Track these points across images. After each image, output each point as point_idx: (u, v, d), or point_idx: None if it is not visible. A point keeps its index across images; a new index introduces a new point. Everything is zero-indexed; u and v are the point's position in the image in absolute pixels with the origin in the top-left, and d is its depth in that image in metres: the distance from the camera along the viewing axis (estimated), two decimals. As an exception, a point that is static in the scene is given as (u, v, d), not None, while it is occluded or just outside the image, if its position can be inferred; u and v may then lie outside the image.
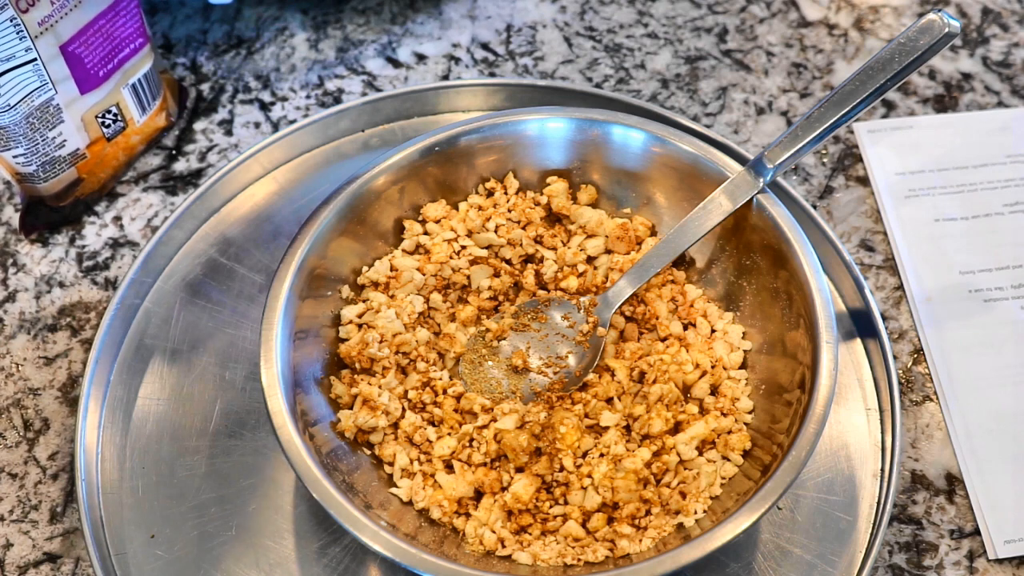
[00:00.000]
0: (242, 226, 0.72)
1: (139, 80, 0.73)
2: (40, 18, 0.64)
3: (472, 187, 0.68)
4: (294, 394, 0.58)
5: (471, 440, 0.60)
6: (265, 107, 0.79)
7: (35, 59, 0.65)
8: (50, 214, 0.73)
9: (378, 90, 0.80)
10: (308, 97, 0.80)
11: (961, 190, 0.75)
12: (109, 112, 0.72)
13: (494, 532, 0.58)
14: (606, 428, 0.60)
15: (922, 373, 0.68)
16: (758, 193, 0.62)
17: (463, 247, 0.66)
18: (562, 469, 0.59)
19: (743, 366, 0.64)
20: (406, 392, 0.62)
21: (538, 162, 0.68)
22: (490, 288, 0.66)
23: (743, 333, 0.64)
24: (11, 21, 0.63)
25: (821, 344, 0.58)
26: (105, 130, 0.72)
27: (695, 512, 0.58)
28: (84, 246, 0.73)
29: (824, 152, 0.77)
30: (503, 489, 0.59)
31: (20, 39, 0.64)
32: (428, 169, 0.66)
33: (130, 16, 0.70)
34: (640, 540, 0.57)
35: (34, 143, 0.68)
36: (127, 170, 0.75)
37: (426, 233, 0.67)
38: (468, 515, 0.59)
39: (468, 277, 0.66)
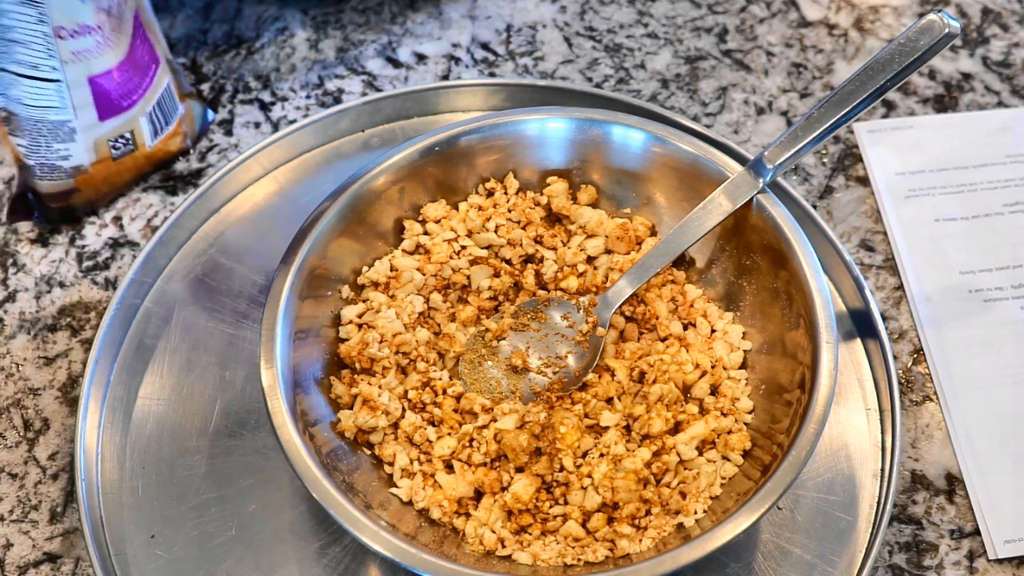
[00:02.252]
0: (242, 226, 0.72)
1: (155, 106, 0.72)
2: (74, 48, 0.65)
3: (472, 187, 0.68)
4: (294, 394, 0.58)
5: (471, 440, 0.60)
6: (265, 107, 0.79)
7: (60, 80, 0.65)
8: (39, 207, 0.72)
9: (378, 90, 0.80)
10: (308, 97, 0.80)
11: (961, 190, 0.75)
12: (122, 137, 0.71)
13: (494, 532, 0.58)
14: (606, 428, 0.60)
15: (922, 373, 0.68)
16: (758, 193, 0.62)
17: (463, 247, 0.66)
18: (562, 469, 0.59)
19: (743, 366, 0.64)
20: (406, 392, 0.62)
21: (538, 162, 0.68)
22: (490, 288, 0.66)
23: (743, 333, 0.64)
24: (44, 36, 0.63)
25: (821, 344, 0.58)
26: (113, 151, 0.71)
27: (695, 512, 0.58)
28: (84, 246, 0.73)
29: (824, 152, 0.77)
30: (503, 489, 0.59)
31: (49, 56, 0.64)
32: (428, 169, 0.66)
33: (142, 39, 0.70)
34: (640, 540, 0.57)
35: (37, 144, 0.68)
36: (131, 188, 0.75)
37: (426, 233, 0.67)
38: (468, 515, 0.59)
39: (468, 277, 0.66)
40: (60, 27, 0.64)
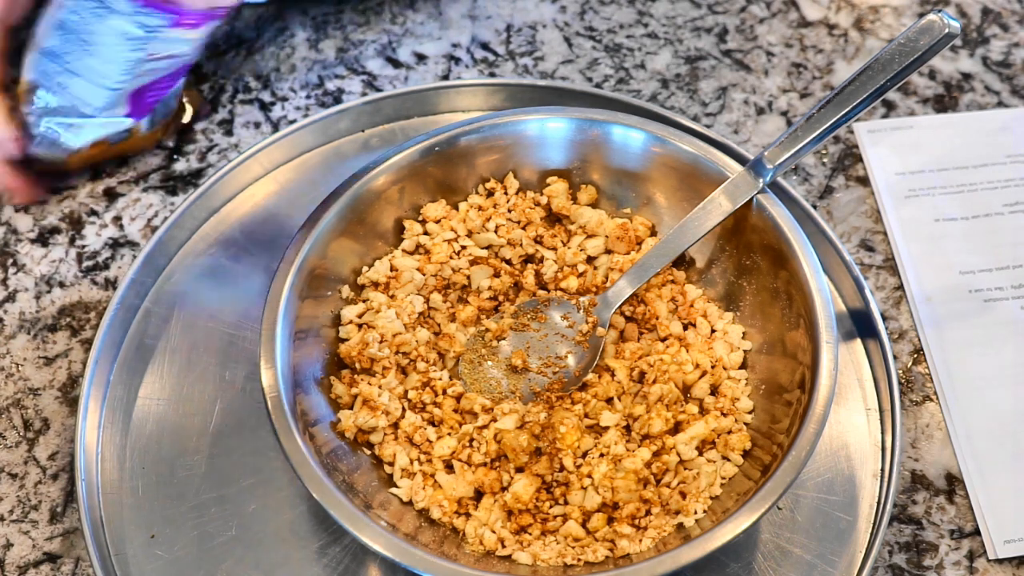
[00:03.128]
0: (242, 226, 0.72)
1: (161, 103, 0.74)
2: (150, 67, 0.68)
3: (472, 187, 0.68)
4: (294, 394, 0.58)
5: (471, 440, 0.60)
6: (265, 107, 0.79)
7: (120, 90, 0.68)
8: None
9: (378, 90, 0.80)
10: (308, 97, 0.80)
11: (961, 190, 0.75)
12: (127, 130, 0.72)
13: (494, 532, 0.58)
14: (606, 428, 0.60)
15: (922, 373, 0.68)
16: (758, 193, 0.62)
17: (463, 247, 0.66)
18: (562, 469, 0.59)
19: (743, 366, 0.64)
20: (406, 392, 0.62)
21: (538, 162, 0.68)
22: (490, 288, 0.66)
23: (743, 333, 0.64)
24: (135, 62, 0.67)
25: (821, 344, 0.58)
26: (111, 138, 0.72)
27: (695, 512, 0.58)
28: (84, 246, 0.73)
29: (824, 152, 0.77)
30: (503, 489, 0.59)
31: (127, 74, 0.68)
32: (428, 169, 0.66)
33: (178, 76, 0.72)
34: (640, 540, 0.57)
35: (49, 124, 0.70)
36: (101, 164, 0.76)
37: (426, 233, 0.67)
38: (468, 515, 0.59)
39: (468, 277, 0.66)
40: (153, 54, 0.66)
